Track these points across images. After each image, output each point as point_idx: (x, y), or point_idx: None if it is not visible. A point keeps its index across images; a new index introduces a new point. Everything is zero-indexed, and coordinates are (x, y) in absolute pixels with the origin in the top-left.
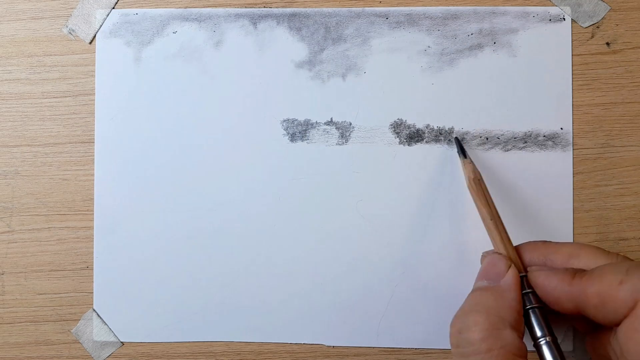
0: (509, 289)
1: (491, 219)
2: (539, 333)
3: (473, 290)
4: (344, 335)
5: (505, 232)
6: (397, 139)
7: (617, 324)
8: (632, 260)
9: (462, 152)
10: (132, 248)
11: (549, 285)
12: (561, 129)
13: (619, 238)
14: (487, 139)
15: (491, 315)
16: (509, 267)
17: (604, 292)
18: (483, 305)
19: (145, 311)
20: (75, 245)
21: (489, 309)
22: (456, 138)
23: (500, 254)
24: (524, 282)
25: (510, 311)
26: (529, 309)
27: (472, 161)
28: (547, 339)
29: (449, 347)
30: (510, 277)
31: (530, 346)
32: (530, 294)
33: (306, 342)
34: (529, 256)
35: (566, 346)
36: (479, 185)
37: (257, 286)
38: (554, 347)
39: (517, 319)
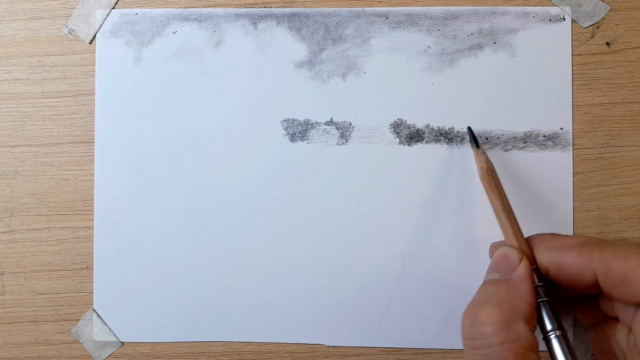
0: (522, 282)
1: (503, 211)
2: (549, 327)
3: (485, 283)
4: (344, 335)
5: (517, 225)
6: (397, 139)
7: (636, 305)
8: None
9: (475, 142)
10: (132, 248)
11: (565, 261)
12: (561, 129)
13: (619, 238)
14: (487, 139)
15: (504, 308)
16: (521, 259)
17: (629, 272)
18: (496, 298)
19: (145, 311)
20: (75, 245)
21: (501, 302)
22: (469, 128)
23: (511, 246)
24: (535, 275)
25: (524, 304)
26: (539, 302)
27: (484, 152)
28: (558, 333)
29: (449, 347)
30: (523, 270)
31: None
32: (541, 288)
33: (306, 342)
34: (536, 249)
35: None
36: (491, 176)
37: (257, 286)
38: (564, 341)
39: (530, 312)
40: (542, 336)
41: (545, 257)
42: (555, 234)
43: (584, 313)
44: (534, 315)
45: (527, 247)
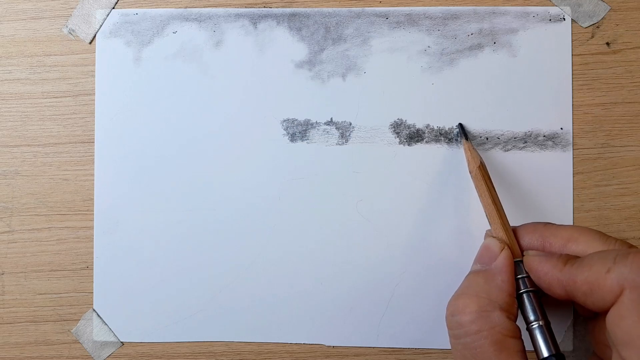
0: (500, 272)
1: (492, 204)
2: (531, 317)
3: (467, 275)
4: (344, 335)
5: (504, 217)
6: (397, 139)
7: (606, 311)
8: (630, 246)
9: (465, 136)
10: (132, 248)
11: (541, 270)
12: (561, 129)
13: (618, 238)
14: (487, 139)
15: (480, 297)
16: (502, 249)
17: (592, 280)
18: (473, 288)
19: (145, 311)
20: (75, 245)
21: (478, 291)
22: (460, 124)
23: (495, 237)
24: (520, 266)
25: (500, 293)
26: (522, 292)
27: (473, 146)
28: (540, 323)
29: (449, 347)
30: (501, 260)
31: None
32: (525, 279)
33: (306, 342)
34: (528, 238)
35: (566, 346)
36: (480, 170)
37: (257, 286)
38: (546, 330)
39: (507, 301)
40: (525, 327)
41: (526, 263)
42: (547, 223)
43: (580, 305)
44: (512, 304)
45: (513, 238)
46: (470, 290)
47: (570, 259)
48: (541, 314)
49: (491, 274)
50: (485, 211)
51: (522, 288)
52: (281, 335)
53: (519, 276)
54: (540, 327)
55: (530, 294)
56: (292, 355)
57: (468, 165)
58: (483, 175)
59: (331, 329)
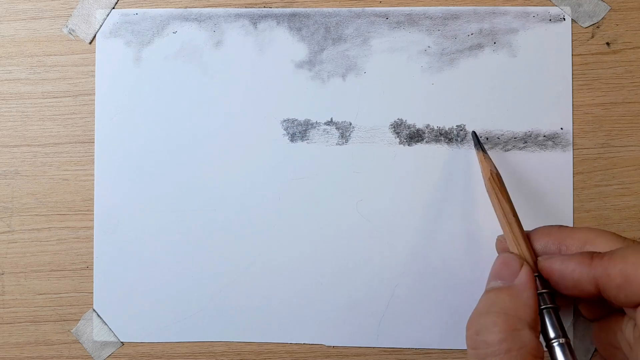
0: (525, 288)
1: (509, 216)
2: (552, 334)
3: (487, 291)
4: (344, 335)
5: (522, 230)
6: (397, 139)
7: (637, 305)
8: None
9: (480, 147)
10: (132, 248)
11: (566, 269)
12: (561, 129)
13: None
14: (487, 139)
15: (509, 316)
16: (522, 265)
17: (629, 272)
18: (500, 306)
19: (145, 311)
20: (75, 245)
21: (506, 309)
22: (473, 132)
23: (512, 253)
24: (538, 282)
25: (528, 310)
26: (543, 309)
27: (489, 156)
28: (561, 341)
29: (449, 347)
30: (524, 276)
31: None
32: (544, 294)
33: (306, 342)
34: (543, 241)
35: None
36: (496, 181)
37: (257, 286)
38: (567, 349)
39: (534, 318)
40: (544, 343)
41: (547, 265)
42: (561, 226)
43: (589, 306)
44: (538, 322)
45: (531, 252)
46: (496, 308)
47: (594, 254)
48: (562, 331)
49: (516, 290)
50: (501, 224)
51: (541, 304)
52: (281, 335)
53: (538, 292)
54: (561, 344)
55: (551, 310)
56: (292, 355)
57: (484, 176)
58: (494, 187)
59: (331, 329)
